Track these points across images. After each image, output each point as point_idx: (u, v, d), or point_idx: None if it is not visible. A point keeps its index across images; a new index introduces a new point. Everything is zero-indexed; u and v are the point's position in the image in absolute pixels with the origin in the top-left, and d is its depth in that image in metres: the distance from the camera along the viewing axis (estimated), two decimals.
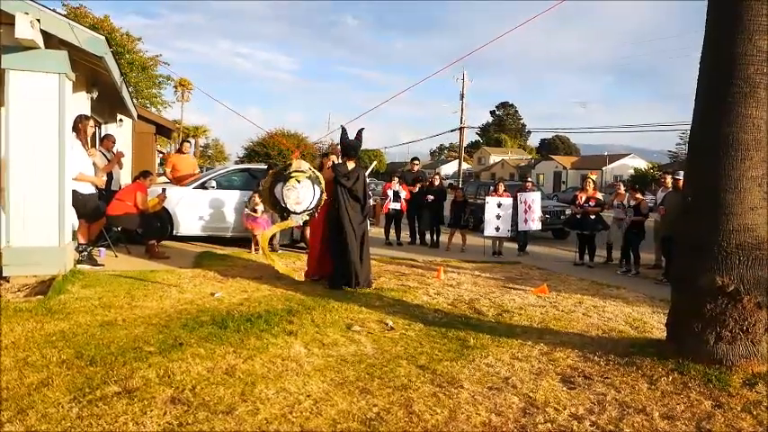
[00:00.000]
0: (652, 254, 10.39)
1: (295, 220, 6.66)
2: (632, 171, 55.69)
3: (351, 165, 7.00)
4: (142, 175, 8.29)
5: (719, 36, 4.32)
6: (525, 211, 10.92)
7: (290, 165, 6.58)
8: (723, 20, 4.31)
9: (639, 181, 45.11)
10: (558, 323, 5.59)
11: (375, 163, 14.18)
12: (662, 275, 8.79)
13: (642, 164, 59.15)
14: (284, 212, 6.65)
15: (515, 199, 11.12)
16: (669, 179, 9.96)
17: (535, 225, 10.96)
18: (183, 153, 11.84)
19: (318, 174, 6.82)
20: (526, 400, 3.55)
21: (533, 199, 10.94)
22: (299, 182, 6.50)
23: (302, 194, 6.46)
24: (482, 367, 4.12)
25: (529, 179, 12.78)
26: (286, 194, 6.51)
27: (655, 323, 5.71)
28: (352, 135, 7.14)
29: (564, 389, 3.77)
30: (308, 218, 6.72)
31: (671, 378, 3.98)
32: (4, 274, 5.88)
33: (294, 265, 8.07)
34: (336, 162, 7.32)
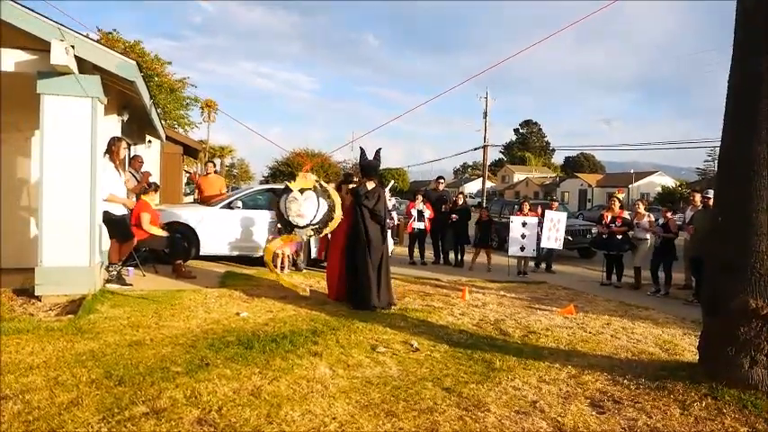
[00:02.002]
0: (681, 273, 10.17)
1: (299, 235, 6.65)
2: (659, 189, 54.77)
3: (370, 185, 7.02)
4: (144, 191, 7.96)
5: (747, 55, 4.27)
6: (550, 229, 10.82)
7: (296, 180, 6.65)
8: (750, 39, 4.26)
9: (667, 199, 44.38)
10: (586, 345, 5.49)
11: (393, 182, 14.23)
12: (692, 296, 8.60)
13: (669, 181, 58.15)
14: (287, 226, 6.70)
15: (542, 217, 11.05)
16: (698, 197, 9.78)
17: (557, 244, 10.87)
18: (208, 174, 12.11)
19: (330, 189, 6.83)
20: (554, 424, 3.49)
21: (560, 219, 10.85)
22: (301, 193, 6.54)
23: (304, 207, 6.47)
24: (509, 390, 4.06)
25: (555, 198, 12.72)
26: (288, 206, 6.57)
27: (686, 345, 5.58)
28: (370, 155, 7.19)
29: (593, 413, 3.69)
30: (312, 233, 6.70)
31: (704, 403, 3.87)
32: (36, 294, 6.01)
33: (318, 284, 8.10)
34: (356, 183, 7.34)
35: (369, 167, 7.08)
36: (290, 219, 6.58)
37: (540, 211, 11.58)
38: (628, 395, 4.05)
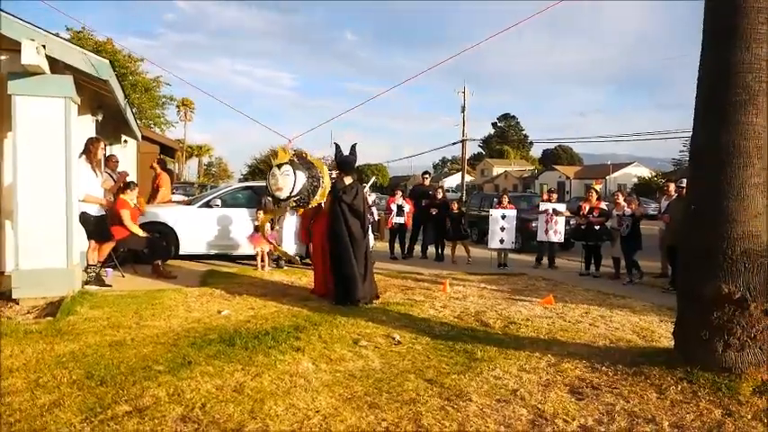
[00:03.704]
0: (658, 262, 10.37)
1: (282, 207, 6.83)
2: (636, 180, 55.67)
3: (348, 180, 7.03)
4: (124, 188, 7.82)
5: (717, 45, 4.36)
6: (546, 222, 10.91)
7: (276, 155, 6.81)
8: (720, 29, 4.35)
9: (643, 189, 45.11)
10: (566, 334, 5.59)
11: (374, 178, 14.32)
12: (669, 284, 8.77)
13: (646, 172, 59.12)
14: (275, 200, 6.93)
15: (536, 209, 11.11)
16: (673, 187, 9.96)
17: (557, 237, 10.94)
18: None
19: (313, 160, 6.97)
20: (535, 411, 3.56)
21: (556, 210, 10.93)
22: (279, 168, 6.69)
23: (281, 181, 6.64)
24: (490, 380, 4.13)
25: (552, 190, 12.65)
26: (269, 182, 6.76)
27: (662, 332, 5.70)
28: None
29: (572, 400, 3.78)
30: (295, 204, 6.86)
31: (680, 387, 3.98)
32: (13, 297, 5.93)
33: (300, 281, 8.11)
34: (334, 178, 7.38)
35: (345, 163, 7.09)
36: (272, 193, 6.76)
37: (545, 205, 11.27)
38: (606, 381, 4.14)
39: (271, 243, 8.71)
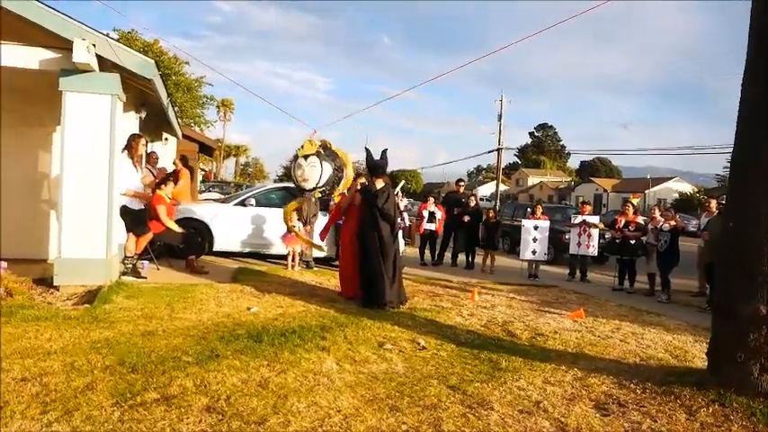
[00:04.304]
0: (695, 280, 10.11)
1: (307, 198, 6.92)
2: (677, 195, 54.24)
3: (380, 184, 7.07)
4: (160, 183, 7.87)
5: (761, 59, 4.26)
6: (579, 234, 10.78)
7: (302, 146, 6.89)
8: (765, 42, 4.25)
9: (684, 205, 43.94)
10: (594, 348, 5.50)
11: (403, 182, 14.33)
12: (706, 303, 8.54)
13: (687, 187, 57.56)
14: (300, 190, 7.00)
15: (569, 221, 10.99)
16: (714, 203, 9.72)
17: (590, 251, 10.79)
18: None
19: (337, 150, 7.03)
20: (557, 425, 3.52)
21: (588, 224, 10.78)
22: (305, 159, 6.77)
23: (308, 172, 6.73)
24: (513, 390, 4.10)
25: (586, 201, 12.48)
26: (295, 172, 6.84)
27: (696, 352, 5.56)
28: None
29: (597, 415, 3.72)
30: (320, 195, 6.95)
31: (711, 410, 3.86)
32: (54, 283, 6.17)
33: (329, 282, 8.18)
34: (365, 183, 7.45)
35: (376, 167, 7.14)
36: (298, 183, 6.85)
37: (579, 218, 11.12)
38: (633, 399, 4.06)
39: (302, 238, 8.77)
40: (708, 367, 4.54)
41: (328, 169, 6.78)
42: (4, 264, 5.73)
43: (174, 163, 9.39)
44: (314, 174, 6.72)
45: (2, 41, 5.89)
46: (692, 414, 3.81)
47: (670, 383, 4.34)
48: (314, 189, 6.83)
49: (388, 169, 7.55)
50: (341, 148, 7.35)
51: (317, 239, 9.75)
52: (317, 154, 6.82)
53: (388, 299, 6.69)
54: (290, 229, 7.81)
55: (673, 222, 9.39)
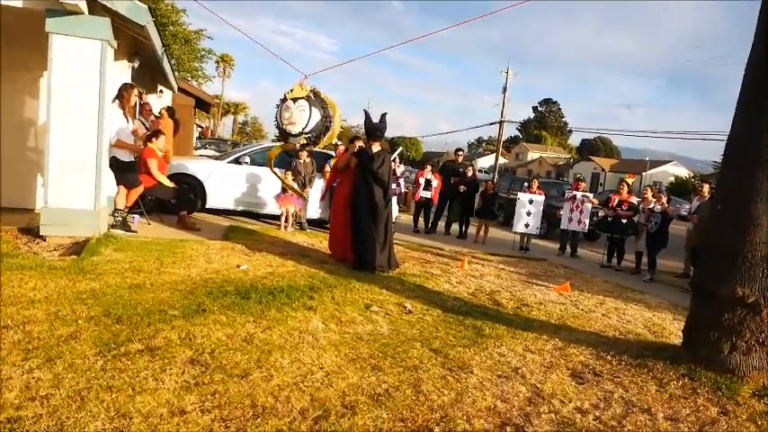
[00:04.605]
0: (681, 262, 10.21)
1: (292, 142, 6.83)
2: (672, 179, 54.34)
3: (376, 147, 7.03)
4: (151, 136, 7.77)
5: (762, 51, 4.23)
6: (571, 210, 10.80)
7: (292, 90, 6.75)
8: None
9: (680, 189, 44.05)
10: (576, 321, 5.59)
11: (401, 148, 14.28)
12: (689, 284, 8.62)
13: (684, 172, 57.64)
14: (283, 135, 6.87)
15: (563, 196, 11.00)
16: (707, 188, 9.75)
17: (581, 227, 10.83)
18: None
19: (328, 99, 6.93)
20: (533, 390, 3.60)
21: (583, 199, 10.80)
22: (294, 102, 6.64)
23: (296, 115, 6.59)
24: (494, 356, 4.17)
25: (581, 178, 12.46)
26: (281, 114, 6.70)
27: (674, 330, 5.66)
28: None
29: (572, 383, 3.80)
30: (305, 141, 6.84)
31: (681, 383, 3.97)
32: (41, 234, 6.14)
33: (321, 244, 8.21)
34: (362, 146, 7.39)
35: (373, 130, 7.08)
36: (284, 127, 6.72)
37: (571, 191, 11.15)
38: (609, 369, 4.15)
39: (286, 183, 8.74)
40: (682, 344, 4.66)
41: (317, 115, 6.63)
42: None
43: (159, 113, 9.22)
44: (302, 117, 6.56)
45: None
46: (662, 386, 3.92)
47: (645, 357, 4.45)
48: (299, 134, 6.65)
49: (388, 135, 7.50)
50: (330, 98, 7.21)
51: (314, 202, 9.79)
52: (307, 98, 6.68)
53: (378, 263, 6.73)
54: (284, 189, 7.76)
55: (662, 204, 9.40)
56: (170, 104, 12.01)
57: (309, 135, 6.70)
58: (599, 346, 4.69)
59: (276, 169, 8.30)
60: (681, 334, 4.84)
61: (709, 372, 4.07)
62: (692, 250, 9.17)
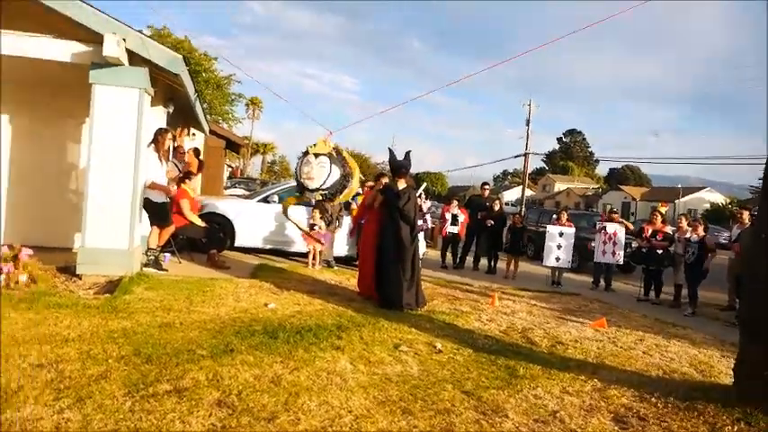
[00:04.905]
0: (725, 294, 9.83)
1: (308, 197, 6.83)
2: (708, 205, 53.02)
3: (402, 184, 7.01)
4: (184, 178, 8.11)
5: None
6: (604, 242, 10.58)
7: (315, 144, 6.79)
8: None
9: (716, 216, 42.89)
10: (616, 359, 5.37)
11: (425, 184, 14.17)
12: (735, 317, 8.28)
13: (719, 198, 56.20)
14: (300, 188, 6.86)
15: (594, 228, 10.80)
16: (746, 215, 9.44)
17: (616, 259, 10.58)
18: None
19: (348, 158, 6.93)
20: None
21: (615, 231, 10.57)
22: (315, 157, 6.65)
23: (316, 171, 6.60)
24: (530, 398, 4.01)
25: (615, 210, 12.21)
26: (301, 168, 6.71)
27: (723, 368, 5.39)
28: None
29: (616, 428, 3.61)
30: (321, 197, 6.82)
31: (736, 428, 3.73)
32: (77, 272, 6.26)
33: (348, 281, 8.15)
34: (387, 183, 7.39)
35: (398, 167, 7.07)
36: (302, 180, 6.73)
37: (602, 224, 10.97)
38: (654, 413, 3.94)
39: (317, 241, 8.78)
40: (734, 384, 4.40)
41: (336, 173, 6.67)
42: (30, 251, 5.82)
43: (186, 152, 9.46)
44: (321, 174, 6.60)
45: (35, 34, 6.02)
46: (715, 431, 3.68)
47: (693, 399, 4.21)
48: (316, 190, 6.70)
49: (413, 171, 7.52)
50: (351, 158, 7.28)
51: (342, 239, 9.79)
52: (329, 155, 6.73)
53: (406, 301, 6.63)
54: (311, 227, 7.79)
55: (698, 234, 9.11)
56: (198, 146, 12.31)
57: (326, 192, 6.73)
58: (642, 386, 4.47)
59: (296, 209, 8.39)
60: (731, 372, 4.59)
61: (766, 416, 3.80)
62: (736, 280, 8.81)
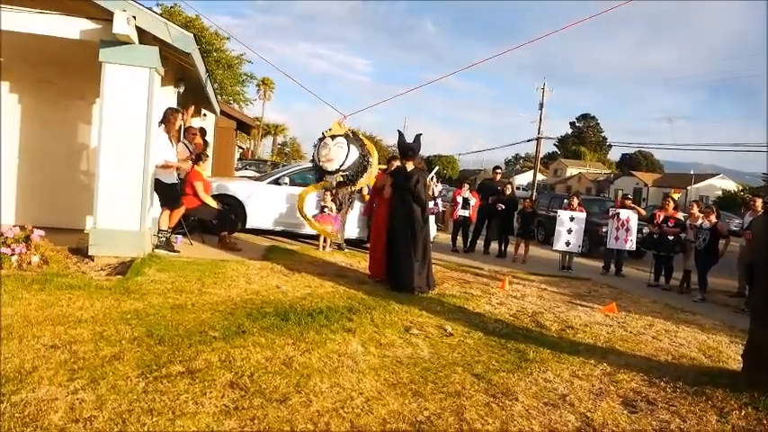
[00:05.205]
0: (735, 280, 9.77)
1: (329, 181, 6.79)
2: (720, 192, 52.50)
3: (410, 166, 6.96)
4: (197, 160, 8.17)
5: None
6: (617, 228, 10.51)
7: (330, 128, 6.78)
8: None
9: (728, 203, 42.49)
10: (625, 344, 5.36)
11: (438, 167, 14.15)
12: (744, 304, 8.24)
13: (732, 185, 55.61)
14: (320, 172, 6.83)
15: (607, 213, 10.75)
16: (759, 202, 9.36)
17: (628, 245, 10.52)
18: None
19: (365, 140, 6.90)
20: (582, 419, 3.43)
21: (628, 217, 10.50)
22: (332, 139, 6.62)
23: (334, 152, 6.56)
24: (539, 382, 4.02)
25: (627, 195, 12.10)
26: (319, 152, 6.68)
27: (731, 353, 5.37)
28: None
29: (624, 412, 3.62)
30: (341, 179, 6.78)
31: (743, 413, 3.73)
32: (89, 254, 6.31)
33: (359, 264, 8.18)
34: (399, 165, 7.36)
35: (406, 149, 7.02)
36: (321, 164, 6.71)
37: (615, 209, 10.89)
38: (663, 397, 3.94)
39: (313, 225, 8.74)
40: (742, 370, 4.40)
41: (355, 153, 6.62)
42: (41, 232, 5.87)
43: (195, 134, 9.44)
44: (340, 154, 6.55)
45: (44, 11, 6.00)
46: (723, 416, 3.69)
47: (702, 384, 4.21)
48: (336, 171, 6.64)
49: (424, 154, 7.49)
50: (368, 141, 7.25)
51: (353, 221, 9.80)
52: (346, 135, 6.72)
53: (417, 284, 6.64)
54: (302, 215, 7.74)
55: (713, 218, 9.03)
56: (203, 126, 12.30)
57: (347, 173, 6.67)
58: (651, 371, 4.47)
59: (328, 207, 8.44)
60: (740, 358, 4.58)
61: None
62: (746, 267, 8.75)
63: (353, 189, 8.93)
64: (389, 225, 6.83)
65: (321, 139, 6.85)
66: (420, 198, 6.79)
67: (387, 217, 6.94)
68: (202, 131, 9.57)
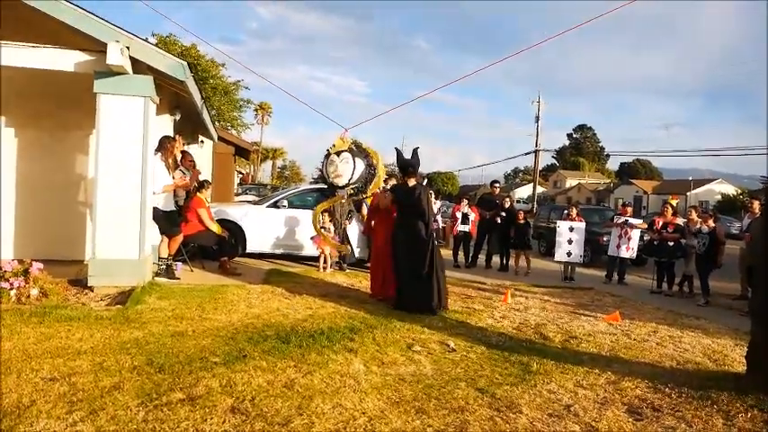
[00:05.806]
0: (737, 283, 9.73)
1: (340, 195, 6.96)
2: (719, 197, 52.50)
3: (411, 182, 6.95)
4: (199, 187, 8.20)
5: None
6: (619, 236, 10.50)
7: (334, 145, 6.96)
8: None
9: (727, 207, 42.47)
10: (629, 352, 5.33)
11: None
12: (747, 307, 8.19)
13: (730, 189, 55.63)
14: (332, 188, 7.02)
15: (610, 222, 10.76)
16: (757, 205, 9.36)
17: (629, 254, 10.50)
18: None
19: (368, 149, 7.07)
20: (588, 429, 3.40)
21: (631, 225, 10.49)
22: (338, 155, 6.81)
23: (341, 167, 6.76)
24: (543, 393, 3.99)
25: (627, 203, 12.11)
26: (327, 169, 6.87)
27: (736, 356, 5.33)
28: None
29: (630, 420, 3.58)
30: (352, 192, 6.97)
31: (749, 415, 3.70)
32: (89, 284, 6.30)
33: (360, 284, 8.16)
34: (396, 183, 7.41)
35: (406, 166, 7.00)
36: (331, 180, 6.89)
37: (621, 219, 10.82)
38: (668, 403, 3.91)
39: (327, 241, 8.75)
40: (746, 372, 4.36)
41: (360, 165, 6.86)
42: (40, 264, 5.88)
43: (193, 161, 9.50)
44: (347, 169, 6.79)
45: (38, 45, 6.08)
46: (729, 419, 3.66)
47: (707, 388, 4.18)
48: (347, 185, 6.88)
49: (423, 170, 7.55)
50: (371, 147, 7.38)
51: (353, 239, 9.80)
52: (349, 150, 6.90)
53: (426, 303, 6.41)
54: (317, 231, 7.89)
55: (709, 225, 9.03)
56: (202, 152, 12.42)
57: (356, 185, 6.88)
58: (656, 377, 4.44)
59: (327, 227, 8.64)
60: (744, 361, 4.54)
61: None
62: (748, 270, 8.72)
63: (350, 209, 9.04)
64: (394, 244, 6.75)
65: (327, 156, 7.01)
66: (424, 212, 6.68)
67: (386, 236, 6.92)
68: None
